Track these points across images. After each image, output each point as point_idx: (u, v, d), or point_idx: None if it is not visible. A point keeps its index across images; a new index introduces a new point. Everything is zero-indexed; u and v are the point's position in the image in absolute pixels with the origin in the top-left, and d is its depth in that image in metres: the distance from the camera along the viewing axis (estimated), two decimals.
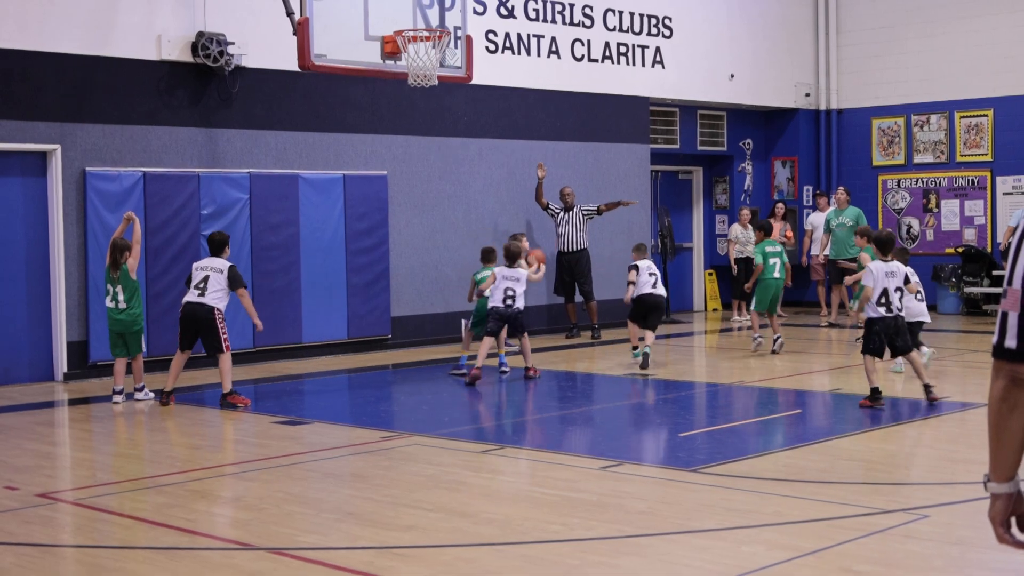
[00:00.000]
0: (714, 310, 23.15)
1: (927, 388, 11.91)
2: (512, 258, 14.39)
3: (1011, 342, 3.30)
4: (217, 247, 13.05)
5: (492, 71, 18.35)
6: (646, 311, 15.01)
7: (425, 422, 11.72)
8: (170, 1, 15.27)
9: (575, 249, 18.62)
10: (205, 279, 12.76)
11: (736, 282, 21.09)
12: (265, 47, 15.86)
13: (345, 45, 13.95)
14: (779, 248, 16.60)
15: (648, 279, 15.08)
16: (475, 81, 16.10)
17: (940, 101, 22.19)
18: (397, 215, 17.45)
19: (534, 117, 19.29)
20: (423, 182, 17.89)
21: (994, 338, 3.36)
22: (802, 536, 7.17)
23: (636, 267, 15.03)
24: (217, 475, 9.42)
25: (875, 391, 11.82)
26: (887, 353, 12.15)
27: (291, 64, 14.23)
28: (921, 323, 13.58)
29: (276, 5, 14.64)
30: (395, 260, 17.39)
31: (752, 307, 16.69)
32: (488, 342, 14.08)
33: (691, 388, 14.10)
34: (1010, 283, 3.31)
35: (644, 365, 14.56)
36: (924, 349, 14.28)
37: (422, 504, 8.20)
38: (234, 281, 12.79)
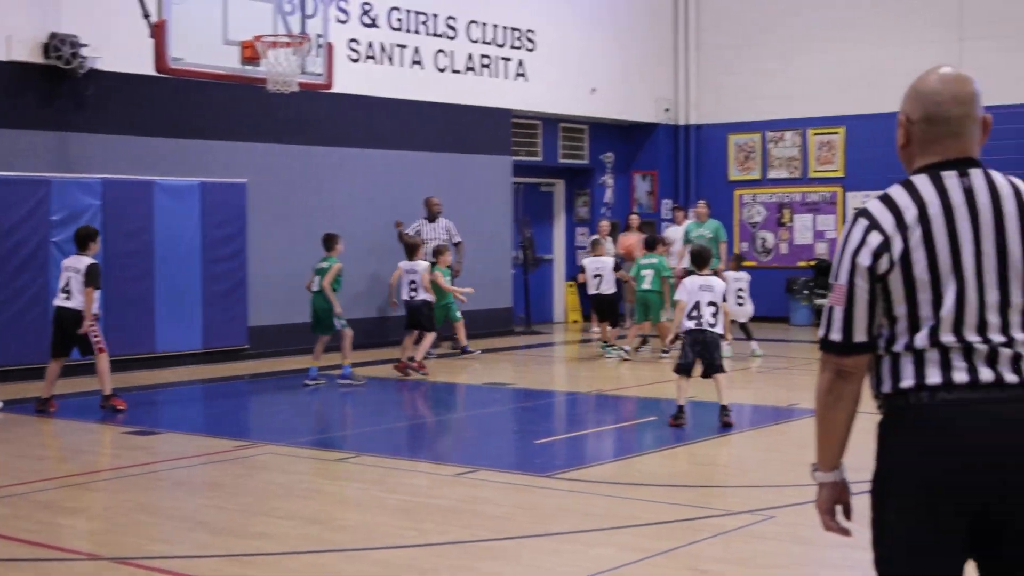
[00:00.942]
0: (574, 321, 23.30)
1: (724, 410, 11.30)
2: (411, 251, 15.50)
3: (836, 335, 3.41)
4: (80, 242, 12.57)
5: (355, 80, 18.25)
6: (598, 308, 17.56)
7: (280, 431, 11.59)
8: (22, 1, 14.90)
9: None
10: (68, 281, 12.37)
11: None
12: (121, 50, 15.50)
13: (203, 49, 13.77)
14: (655, 260, 16.67)
15: (594, 280, 17.00)
16: (337, 89, 16.01)
17: (794, 118, 22.70)
18: (256, 224, 17.23)
19: (397, 127, 19.24)
20: (284, 191, 17.71)
21: (820, 331, 3.47)
22: (652, 537, 7.25)
23: (583, 267, 16.12)
24: (63, 486, 9.18)
25: (680, 409, 11.35)
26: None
27: (148, 68, 13.96)
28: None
29: (132, 7, 14.33)
30: (253, 269, 17.17)
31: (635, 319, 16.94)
32: (409, 338, 15.18)
33: (550, 396, 14.19)
34: (836, 279, 3.42)
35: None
36: (754, 346, 16.27)
37: (275, 512, 8.10)
38: (88, 279, 12.27)
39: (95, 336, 12.35)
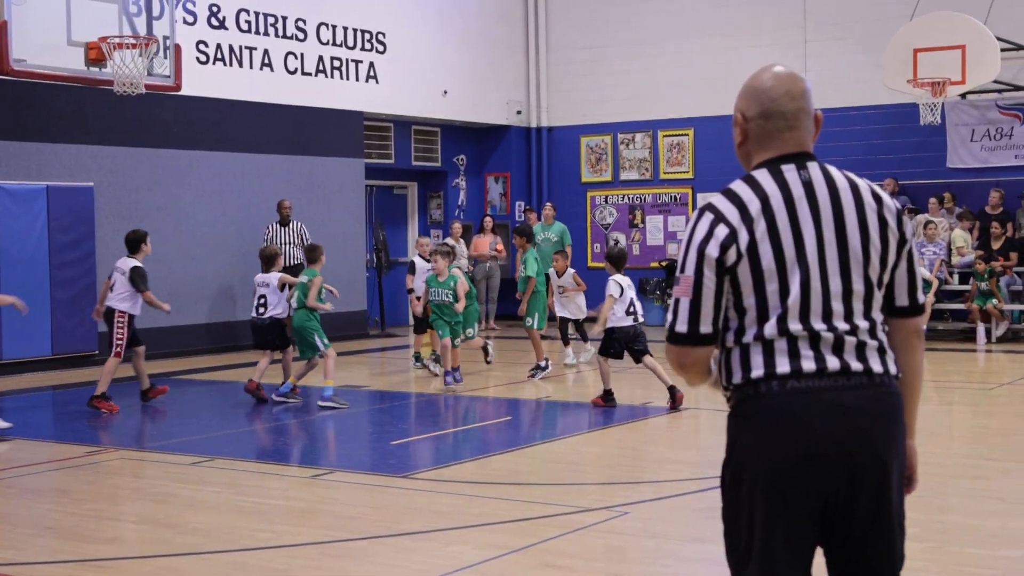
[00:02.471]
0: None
1: (673, 389, 12.20)
2: (267, 262, 13.51)
3: (682, 327, 3.48)
4: (130, 245, 12.93)
5: (203, 82, 18.03)
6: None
7: (132, 436, 11.41)
8: None
9: (293, 263, 18.43)
10: (115, 281, 12.79)
11: None
12: None
13: (48, 50, 13.47)
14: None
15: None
16: (185, 91, 15.80)
17: (644, 120, 23.04)
18: (104, 227, 16.90)
19: (247, 129, 19.05)
20: (132, 194, 17.42)
21: (667, 323, 3.55)
22: (507, 535, 7.33)
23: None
24: None
25: (608, 392, 12.36)
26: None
27: None
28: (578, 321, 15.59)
29: None
30: (102, 274, 16.80)
31: (536, 325, 15.36)
32: (264, 359, 13.38)
33: (406, 399, 14.20)
34: (682, 271, 3.50)
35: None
36: (588, 346, 15.80)
37: (126, 517, 8.00)
38: (132, 281, 12.67)
39: (118, 337, 12.65)
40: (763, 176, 3.49)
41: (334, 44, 20.47)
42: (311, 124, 20.05)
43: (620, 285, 12.28)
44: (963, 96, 19.41)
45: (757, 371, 3.40)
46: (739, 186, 3.49)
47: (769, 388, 3.37)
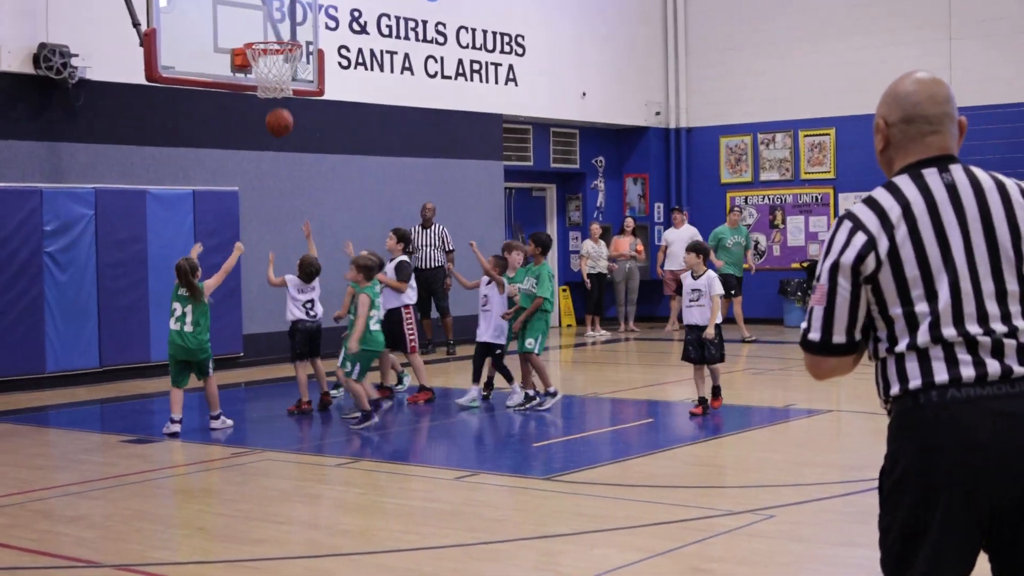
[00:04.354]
0: (568, 326, 23.31)
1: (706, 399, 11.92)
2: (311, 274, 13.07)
3: (815, 335, 3.45)
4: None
5: (345, 87, 18.26)
6: None
7: (278, 438, 11.57)
8: (10, 11, 14.88)
9: (432, 266, 18.58)
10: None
11: (589, 297, 21.34)
12: (111, 59, 15.51)
13: (194, 57, 13.75)
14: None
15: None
16: (328, 96, 15.99)
17: (785, 120, 22.74)
18: (249, 231, 17.20)
19: (388, 133, 19.24)
20: (275, 198, 17.71)
21: (802, 329, 3.51)
22: (653, 538, 7.26)
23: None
24: (61, 495, 9.15)
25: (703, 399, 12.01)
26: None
27: (138, 77, 13.91)
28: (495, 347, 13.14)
29: (122, 16, 14.32)
30: (247, 277, 17.14)
31: (538, 349, 12.82)
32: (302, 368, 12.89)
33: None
34: (818, 279, 3.45)
35: None
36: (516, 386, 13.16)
37: (275, 518, 8.09)
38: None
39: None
40: (904, 182, 3.40)
41: (473, 47, 20.57)
42: (450, 127, 20.17)
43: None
44: None
45: (915, 381, 3.30)
46: (879, 193, 3.41)
47: (928, 399, 3.28)
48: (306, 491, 9.08)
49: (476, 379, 13.12)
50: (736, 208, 21.58)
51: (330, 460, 10.33)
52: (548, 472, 9.55)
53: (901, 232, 3.32)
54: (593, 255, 21.18)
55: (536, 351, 12.75)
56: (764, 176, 23.06)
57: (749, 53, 23.04)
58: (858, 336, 3.41)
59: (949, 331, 3.29)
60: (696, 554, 6.88)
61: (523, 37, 21.40)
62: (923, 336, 3.30)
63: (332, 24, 18.31)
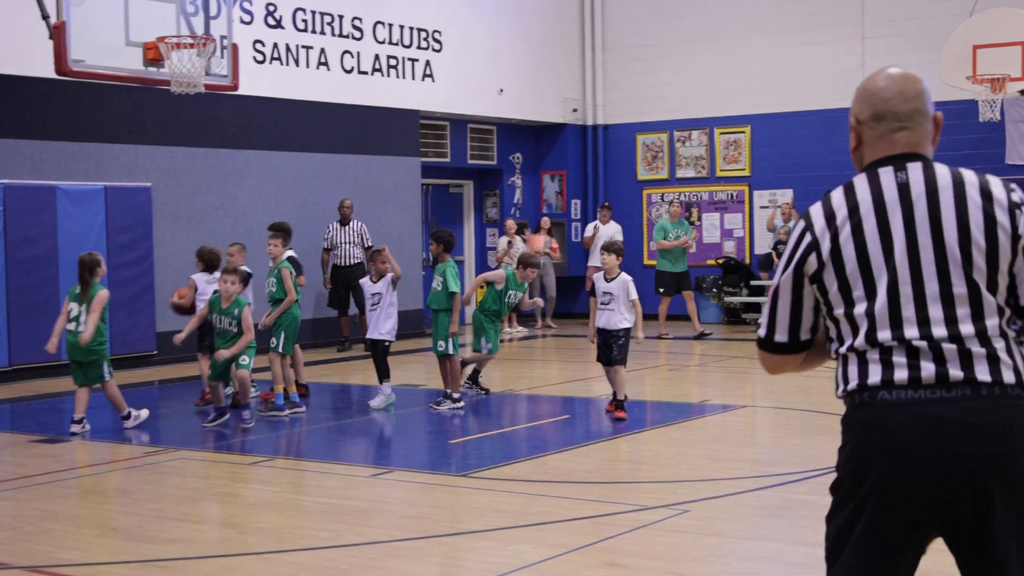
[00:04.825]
0: None
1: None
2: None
3: (762, 332, 3.54)
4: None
5: (260, 81, 18.09)
6: None
7: (192, 437, 11.44)
8: None
9: (351, 263, 18.49)
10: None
11: None
12: (18, 52, 15.21)
13: (105, 51, 13.52)
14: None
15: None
16: (242, 91, 15.84)
17: (701, 118, 22.90)
18: (162, 228, 17.01)
19: (304, 129, 19.11)
20: (189, 194, 17.51)
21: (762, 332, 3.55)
22: (568, 533, 7.28)
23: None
24: None
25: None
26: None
27: (48, 71, 13.69)
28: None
29: (31, 8, 14.05)
30: (160, 274, 16.94)
31: (452, 349, 12.66)
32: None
33: (462, 397, 14.14)
34: (773, 278, 3.53)
35: None
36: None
37: (188, 517, 8.01)
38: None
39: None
40: (860, 181, 3.40)
41: (390, 43, 20.49)
42: (368, 123, 20.08)
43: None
44: (1022, 92, 19.15)
45: (853, 383, 3.32)
46: (835, 192, 3.43)
47: (862, 399, 3.29)
48: (220, 489, 9.00)
49: (382, 379, 12.85)
50: (676, 200, 21.63)
51: (245, 458, 10.24)
52: (464, 469, 9.54)
53: (845, 232, 3.32)
54: (512, 253, 21.20)
55: (451, 351, 12.57)
56: (680, 173, 23.21)
57: (666, 51, 23.18)
58: (804, 336, 3.45)
59: (884, 334, 3.26)
60: (611, 549, 6.91)
61: (440, 33, 21.35)
62: (860, 339, 3.30)
63: (247, 18, 18.14)
